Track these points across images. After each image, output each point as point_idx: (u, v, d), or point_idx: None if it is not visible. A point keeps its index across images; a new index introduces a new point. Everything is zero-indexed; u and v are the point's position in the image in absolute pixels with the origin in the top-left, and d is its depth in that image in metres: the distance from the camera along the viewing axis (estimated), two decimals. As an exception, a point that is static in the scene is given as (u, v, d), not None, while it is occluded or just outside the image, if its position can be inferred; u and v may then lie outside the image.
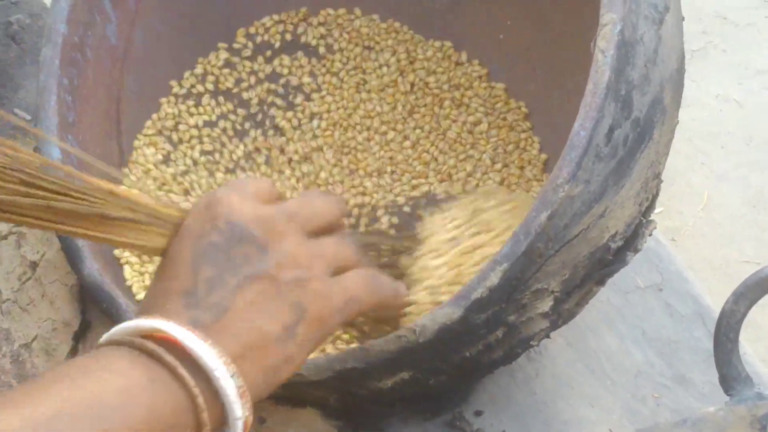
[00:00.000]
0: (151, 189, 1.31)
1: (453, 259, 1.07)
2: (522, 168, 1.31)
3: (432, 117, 1.38)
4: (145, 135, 1.36)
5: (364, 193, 1.35)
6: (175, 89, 1.40)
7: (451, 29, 1.43)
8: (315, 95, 1.42)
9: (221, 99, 1.41)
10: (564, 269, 0.99)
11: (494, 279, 0.95)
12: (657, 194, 1.10)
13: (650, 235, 1.09)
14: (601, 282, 1.09)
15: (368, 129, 1.39)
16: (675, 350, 1.30)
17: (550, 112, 1.32)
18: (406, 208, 1.33)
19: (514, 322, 1.01)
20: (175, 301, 0.79)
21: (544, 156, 1.32)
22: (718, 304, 1.13)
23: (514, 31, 1.38)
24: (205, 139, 1.38)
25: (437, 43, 1.43)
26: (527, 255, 0.95)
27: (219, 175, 1.35)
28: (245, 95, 1.42)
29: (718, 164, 2.43)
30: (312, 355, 1.14)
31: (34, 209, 0.78)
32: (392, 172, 1.36)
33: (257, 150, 1.38)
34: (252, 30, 1.45)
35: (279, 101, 1.42)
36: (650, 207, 1.09)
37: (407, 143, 1.37)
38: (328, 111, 1.41)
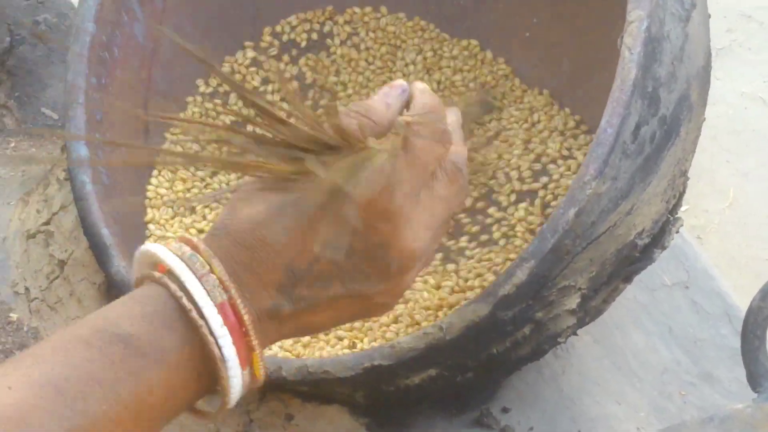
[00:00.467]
0: (179, 190, 1.31)
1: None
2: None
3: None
4: (172, 134, 1.36)
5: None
6: (202, 88, 1.40)
7: (476, 27, 1.43)
8: (342, 94, 1.42)
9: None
10: (591, 266, 0.99)
11: (521, 276, 0.95)
12: (684, 191, 1.10)
13: (677, 232, 1.09)
14: (628, 279, 1.09)
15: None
16: (701, 348, 1.30)
17: (576, 110, 1.32)
18: None
19: (541, 319, 1.01)
20: (272, 273, 0.78)
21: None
22: (744, 301, 1.13)
23: (539, 28, 1.38)
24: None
25: (463, 42, 1.43)
26: (554, 252, 0.95)
27: (247, 179, 1.35)
28: (270, 97, 1.42)
29: (743, 162, 2.42)
30: (339, 352, 1.15)
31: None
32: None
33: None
34: (278, 29, 1.45)
35: (305, 101, 1.42)
36: (677, 204, 1.09)
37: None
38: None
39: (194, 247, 0.77)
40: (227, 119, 1.39)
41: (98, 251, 1.17)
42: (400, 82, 0.88)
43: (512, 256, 1.19)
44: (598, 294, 1.05)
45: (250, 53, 1.44)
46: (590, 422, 1.20)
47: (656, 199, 1.02)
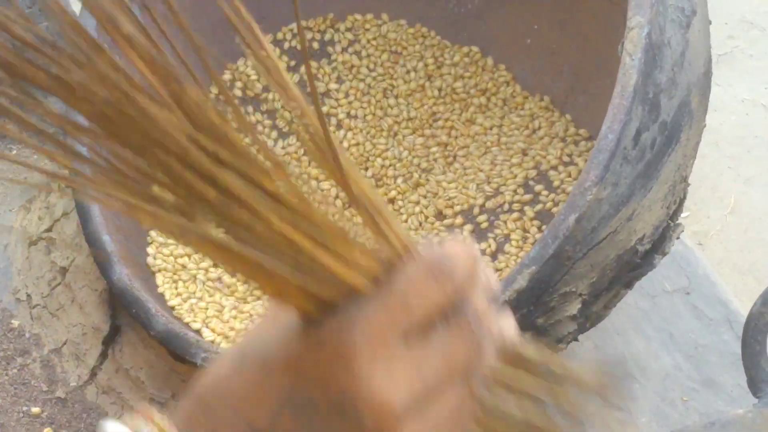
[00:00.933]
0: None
1: None
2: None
3: (459, 121, 1.39)
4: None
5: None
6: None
7: (478, 34, 1.43)
8: (343, 101, 1.42)
9: (249, 109, 1.41)
10: (592, 272, 1.00)
11: (522, 282, 0.95)
12: (684, 197, 1.10)
13: (678, 238, 1.09)
14: (628, 285, 1.09)
15: (395, 135, 1.39)
16: (703, 354, 1.30)
17: (576, 116, 1.32)
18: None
19: (542, 325, 1.01)
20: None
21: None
22: (745, 307, 1.13)
23: (540, 35, 1.38)
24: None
25: (464, 48, 1.43)
26: (555, 258, 0.95)
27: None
28: (272, 104, 1.42)
29: (744, 168, 2.42)
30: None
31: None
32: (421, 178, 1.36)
33: (286, 161, 1.38)
34: (279, 36, 1.46)
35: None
36: (678, 210, 1.09)
37: (435, 148, 1.37)
38: (355, 117, 1.41)
39: (152, 421, 0.71)
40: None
41: (100, 258, 1.17)
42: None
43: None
44: (599, 300, 1.05)
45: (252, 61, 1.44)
46: (592, 428, 1.20)
47: (657, 205, 1.02)
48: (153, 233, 1.28)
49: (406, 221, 1.32)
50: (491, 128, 1.37)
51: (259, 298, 1.25)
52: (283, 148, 1.39)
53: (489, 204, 1.28)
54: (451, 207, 1.31)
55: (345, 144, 1.39)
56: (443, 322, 0.62)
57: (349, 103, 1.42)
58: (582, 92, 1.31)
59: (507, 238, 1.24)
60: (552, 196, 1.25)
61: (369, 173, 1.37)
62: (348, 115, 1.42)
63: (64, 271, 1.30)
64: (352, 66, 1.45)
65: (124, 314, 1.24)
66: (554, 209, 1.23)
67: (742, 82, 2.67)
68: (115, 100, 0.52)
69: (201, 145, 0.53)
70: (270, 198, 0.55)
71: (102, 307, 1.26)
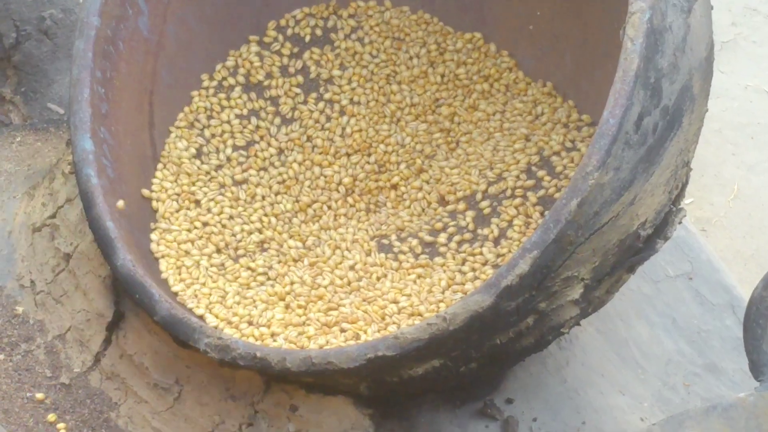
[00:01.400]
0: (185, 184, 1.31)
1: None
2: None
3: (462, 107, 1.39)
4: (177, 127, 1.36)
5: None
6: (206, 82, 1.40)
7: (480, 20, 1.43)
8: (346, 87, 1.42)
9: (252, 95, 1.41)
10: (594, 256, 1.00)
11: (524, 266, 0.96)
12: (686, 182, 1.10)
13: (680, 223, 1.10)
14: (631, 269, 1.09)
15: (398, 121, 1.39)
16: (706, 339, 1.30)
17: (579, 102, 1.32)
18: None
19: (544, 310, 1.02)
20: None
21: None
22: (748, 293, 1.13)
23: (543, 21, 1.38)
24: (237, 135, 1.38)
25: (467, 35, 1.43)
26: (557, 242, 0.95)
27: (252, 173, 1.35)
28: (275, 91, 1.42)
29: (748, 155, 2.42)
30: (343, 344, 1.15)
31: None
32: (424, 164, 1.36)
33: (289, 148, 1.38)
34: (282, 22, 1.46)
35: (309, 95, 1.42)
36: (680, 195, 1.09)
37: (438, 134, 1.37)
38: (358, 103, 1.41)
39: None
40: (232, 114, 1.39)
41: (103, 244, 1.18)
42: None
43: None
44: (601, 284, 1.05)
45: (255, 47, 1.44)
46: (594, 413, 1.21)
47: (659, 190, 1.02)
48: (157, 219, 1.28)
49: (409, 207, 1.33)
50: (494, 114, 1.37)
51: (262, 284, 1.25)
52: (286, 134, 1.39)
53: (492, 190, 1.29)
54: (454, 193, 1.31)
55: (348, 130, 1.39)
56: None
57: (352, 89, 1.42)
58: (584, 78, 1.31)
59: (510, 223, 1.24)
60: (555, 181, 1.25)
61: (372, 159, 1.37)
62: (351, 101, 1.42)
63: (67, 257, 1.30)
64: (355, 52, 1.45)
65: (128, 300, 1.24)
66: (557, 195, 1.23)
67: (746, 68, 2.67)
68: None
69: None
70: None
71: (106, 293, 1.26)
